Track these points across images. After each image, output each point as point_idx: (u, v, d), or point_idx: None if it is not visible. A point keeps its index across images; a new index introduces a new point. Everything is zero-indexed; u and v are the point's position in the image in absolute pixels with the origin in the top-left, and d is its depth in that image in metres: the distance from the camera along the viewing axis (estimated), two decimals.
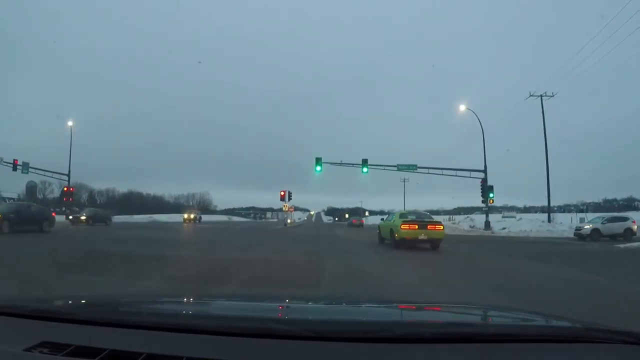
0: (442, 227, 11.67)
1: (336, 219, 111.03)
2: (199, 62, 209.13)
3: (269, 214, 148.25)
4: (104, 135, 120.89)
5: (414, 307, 1.66)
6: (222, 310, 1.51)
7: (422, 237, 11.30)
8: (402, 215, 12.63)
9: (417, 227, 11.39)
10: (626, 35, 26.58)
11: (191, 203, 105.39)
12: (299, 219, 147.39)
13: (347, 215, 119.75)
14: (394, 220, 12.62)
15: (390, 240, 12.29)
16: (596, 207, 68.94)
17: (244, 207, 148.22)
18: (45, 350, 0.93)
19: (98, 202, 73.85)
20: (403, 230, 11.35)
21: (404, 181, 65.89)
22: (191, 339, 0.98)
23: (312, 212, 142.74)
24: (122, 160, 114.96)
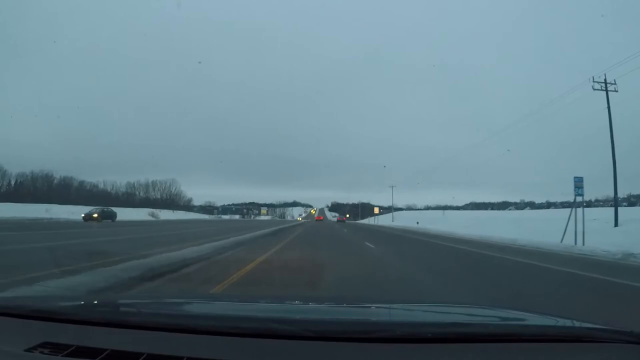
0: (322, 217, 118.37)
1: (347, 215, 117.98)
2: (199, 62, 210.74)
3: (263, 210, 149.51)
4: (104, 132, 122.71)
5: (415, 307, 1.76)
6: (222, 310, 1.61)
7: (320, 219, 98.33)
8: (315, 213, 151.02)
9: (321, 217, 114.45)
10: None
11: (153, 195, 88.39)
12: (300, 215, 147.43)
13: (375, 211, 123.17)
14: (312, 212, 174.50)
15: (311, 220, 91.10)
16: None
17: (245, 202, 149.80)
18: (45, 351, 1.02)
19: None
20: (315, 219, 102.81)
21: None
22: (192, 339, 1.07)
23: (313, 209, 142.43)
24: (119, 157, 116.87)
